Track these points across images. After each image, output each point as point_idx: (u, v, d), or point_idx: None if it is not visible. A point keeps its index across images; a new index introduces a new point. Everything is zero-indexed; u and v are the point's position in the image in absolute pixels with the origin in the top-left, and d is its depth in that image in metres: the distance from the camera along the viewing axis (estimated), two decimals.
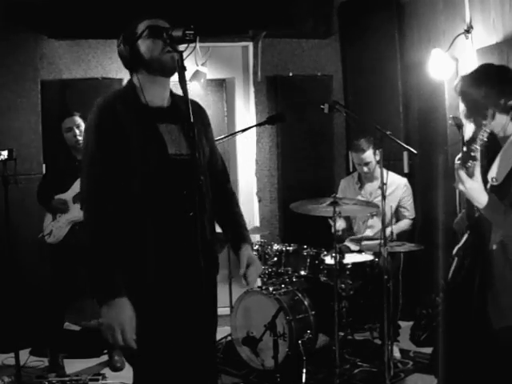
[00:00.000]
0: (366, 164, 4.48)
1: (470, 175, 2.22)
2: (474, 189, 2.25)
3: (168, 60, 2.15)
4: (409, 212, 4.54)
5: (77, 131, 4.13)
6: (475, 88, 2.39)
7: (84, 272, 4.04)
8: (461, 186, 2.24)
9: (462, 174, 2.22)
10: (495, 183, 2.40)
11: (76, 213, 4.04)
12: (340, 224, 4.47)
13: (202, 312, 2.13)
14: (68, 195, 4.10)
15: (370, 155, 4.45)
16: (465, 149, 2.22)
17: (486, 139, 2.20)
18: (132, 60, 2.21)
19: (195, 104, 2.41)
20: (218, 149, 2.52)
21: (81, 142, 4.06)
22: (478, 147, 2.19)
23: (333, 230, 3.80)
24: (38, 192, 4.23)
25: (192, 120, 2.02)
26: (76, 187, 4.07)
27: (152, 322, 2.17)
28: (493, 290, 2.37)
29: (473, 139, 2.21)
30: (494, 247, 2.40)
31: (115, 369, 4.15)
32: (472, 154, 2.19)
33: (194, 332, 2.21)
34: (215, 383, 2.45)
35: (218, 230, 2.45)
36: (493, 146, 2.49)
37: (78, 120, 4.16)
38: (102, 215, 2.12)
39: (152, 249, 2.17)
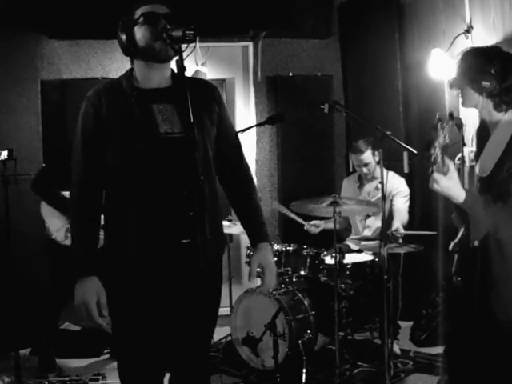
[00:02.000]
0: (366, 165, 4.46)
1: (444, 172, 2.23)
2: (449, 187, 2.25)
3: (161, 47, 2.14)
4: (400, 215, 4.33)
5: None
6: (464, 59, 2.43)
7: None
8: (436, 186, 2.25)
9: (435, 174, 2.23)
10: (484, 175, 2.40)
11: None
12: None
13: (196, 310, 2.14)
14: None
15: (368, 156, 4.44)
16: (425, 154, 2.24)
17: (447, 141, 2.21)
18: (129, 47, 2.21)
19: (202, 82, 2.41)
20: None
21: None
22: (438, 150, 2.20)
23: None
24: (38, 183, 4.11)
25: (192, 111, 2.00)
26: None
27: (139, 315, 2.19)
28: (493, 283, 2.37)
29: (430, 143, 2.22)
30: (476, 243, 2.40)
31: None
32: (431, 159, 2.21)
33: (188, 329, 2.22)
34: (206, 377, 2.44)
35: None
36: (485, 136, 2.50)
37: None
38: (82, 198, 2.20)
39: (136, 234, 2.17)
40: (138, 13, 2.18)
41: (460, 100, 2.49)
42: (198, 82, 2.36)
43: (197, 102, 2.08)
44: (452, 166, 2.23)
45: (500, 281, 2.36)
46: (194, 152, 1.99)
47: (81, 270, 2.16)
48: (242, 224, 2.42)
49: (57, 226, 4.14)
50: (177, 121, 2.19)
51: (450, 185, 2.25)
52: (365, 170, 4.48)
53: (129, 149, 2.16)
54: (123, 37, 2.21)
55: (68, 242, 4.07)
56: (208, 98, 2.31)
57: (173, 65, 2.16)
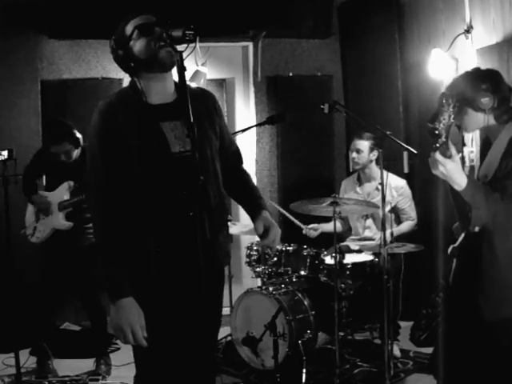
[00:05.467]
0: (357, 151, 4.45)
1: (448, 156, 2.21)
2: (454, 169, 2.22)
3: (164, 55, 2.13)
4: (407, 214, 4.47)
5: (63, 157, 3.97)
6: (453, 87, 2.49)
7: (77, 272, 4.08)
8: (441, 168, 2.22)
9: (439, 156, 2.20)
10: (485, 180, 2.41)
11: (60, 221, 4.05)
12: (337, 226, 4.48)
13: (201, 311, 2.15)
14: (54, 196, 4.07)
15: (364, 145, 4.42)
16: (429, 127, 2.21)
17: (452, 121, 2.19)
18: (129, 63, 2.19)
19: (201, 92, 2.40)
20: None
21: (68, 159, 3.99)
22: (442, 125, 2.18)
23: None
24: (23, 179, 4.13)
25: (192, 119, 2.02)
26: (62, 191, 4.05)
27: (150, 319, 2.17)
28: (483, 283, 2.38)
29: (435, 117, 2.19)
30: (477, 229, 2.40)
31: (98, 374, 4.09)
32: (436, 132, 2.18)
33: (192, 330, 2.22)
34: (213, 379, 2.45)
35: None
36: (487, 146, 2.51)
37: (66, 147, 3.94)
38: (108, 217, 2.13)
39: (153, 249, 2.16)
40: (130, 28, 2.17)
41: (463, 128, 2.50)
42: (198, 94, 2.33)
43: (202, 117, 2.10)
44: (455, 150, 2.22)
45: (489, 279, 2.37)
46: (194, 154, 2.02)
47: (118, 291, 2.09)
48: (242, 203, 2.45)
49: (29, 221, 4.21)
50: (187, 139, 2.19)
51: (454, 167, 2.23)
52: (354, 154, 4.47)
53: (145, 167, 2.15)
54: (120, 54, 2.20)
55: (34, 240, 4.15)
56: (210, 111, 2.32)
57: (174, 70, 2.16)
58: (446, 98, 2.20)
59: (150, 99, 2.21)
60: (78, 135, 3.98)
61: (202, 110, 2.23)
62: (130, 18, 2.20)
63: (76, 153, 4.00)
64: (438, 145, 2.17)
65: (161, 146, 2.17)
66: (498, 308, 2.35)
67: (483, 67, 2.61)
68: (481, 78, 2.44)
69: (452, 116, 2.18)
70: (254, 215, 2.37)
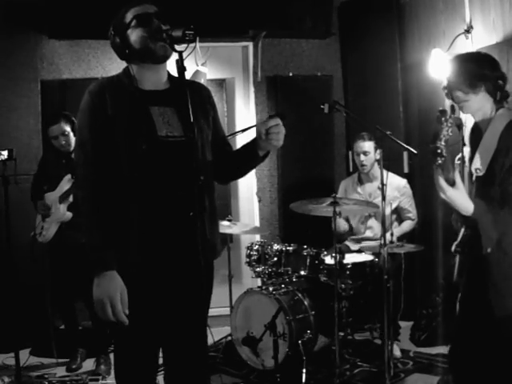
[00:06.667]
0: (364, 153, 4.47)
1: (451, 183, 2.20)
2: (456, 197, 2.23)
3: (159, 48, 2.16)
4: (411, 213, 4.52)
5: (62, 139, 4.08)
6: (469, 62, 2.42)
7: (80, 271, 4.09)
8: (442, 195, 2.23)
9: (442, 182, 2.19)
10: (480, 174, 2.40)
11: (60, 213, 4.08)
12: (343, 225, 4.48)
13: (196, 307, 2.17)
14: (55, 194, 4.11)
15: (369, 146, 4.46)
16: (430, 147, 2.20)
17: (450, 134, 2.19)
18: (124, 50, 2.22)
19: (196, 84, 2.43)
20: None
21: (67, 146, 4.08)
22: (443, 143, 2.18)
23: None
24: (31, 191, 4.29)
25: (187, 107, 2.02)
26: (63, 186, 4.09)
27: (141, 311, 2.16)
28: (493, 278, 2.38)
29: (435, 136, 2.19)
30: (489, 250, 2.39)
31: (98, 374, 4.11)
32: (438, 151, 2.17)
33: (185, 325, 2.23)
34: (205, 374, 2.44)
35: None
36: (477, 136, 2.51)
37: (64, 127, 4.08)
38: (95, 193, 2.14)
39: (137, 234, 2.15)
40: (129, 15, 2.20)
41: (462, 105, 2.48)
42: (193, 86, 2.36)
43: (195, 107, 2.10)
44: (459, 178, 2.22)
45: (500, 275, 2.37)
46: (195, 152, 2.03)
47: (101, 264, 2.08)
48: (242, 153, 2.41)
49: (37, 221, 4.25)
50: (177, 124, 2.20)
51: (457, 196, 2.22)
52: (362, 157, 4.49)
53: (132, 149, 2.15)
54: (117, 41, 2.22)
55: (41, 239, 4.18)
56: (204, 103, 2.35)
57: (172, 66, 2.16)
58: (444, 114, 2.19)
59: (142, 85, 2.23)
60: (74, 119, 4.04)
61: (196, 100, 2.23)
62: (131, 6, 2.22)
63: (74, 141, 4.02)
64: (440, 162, 2.17)
65: (147, 127, 2.17)
66: (508, 303, 2.35)
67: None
68: (493, 61, 2.44)
69: (450, 129, 2.18)
70: (254, 142, 2.35)
